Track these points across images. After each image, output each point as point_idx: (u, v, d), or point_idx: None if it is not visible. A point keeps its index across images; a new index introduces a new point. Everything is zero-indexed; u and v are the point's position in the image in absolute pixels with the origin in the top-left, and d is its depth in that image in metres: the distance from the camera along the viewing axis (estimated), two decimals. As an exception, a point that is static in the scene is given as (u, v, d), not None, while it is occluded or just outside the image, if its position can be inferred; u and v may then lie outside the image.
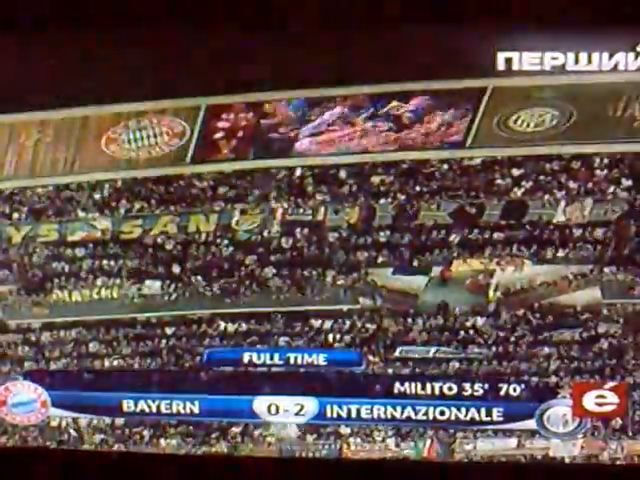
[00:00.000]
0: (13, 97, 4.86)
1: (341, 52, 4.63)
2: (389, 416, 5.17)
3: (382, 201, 5.00)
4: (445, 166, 4.92)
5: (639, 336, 4.95)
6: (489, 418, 5.11)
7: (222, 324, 5.20)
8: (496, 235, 4.97)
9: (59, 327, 5.30)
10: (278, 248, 5.11)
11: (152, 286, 5.21)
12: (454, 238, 5.00)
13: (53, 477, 5.22)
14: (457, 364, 5.09)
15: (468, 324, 5.06)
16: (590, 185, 4.87)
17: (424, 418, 5.15)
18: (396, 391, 5.13)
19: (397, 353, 5.12)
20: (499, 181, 4.92)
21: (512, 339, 5.04)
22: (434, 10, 4.50)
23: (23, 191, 5.15)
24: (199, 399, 5.27)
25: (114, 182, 5.09)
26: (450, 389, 5.10)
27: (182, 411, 5.28)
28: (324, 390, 5.19)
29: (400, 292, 5.09)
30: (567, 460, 5.12)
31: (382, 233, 5.04)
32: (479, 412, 5.10)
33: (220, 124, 4.93)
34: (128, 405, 5.29)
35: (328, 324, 5.15)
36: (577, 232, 4.92)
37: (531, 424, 5.09)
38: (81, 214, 5.17)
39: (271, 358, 5.18)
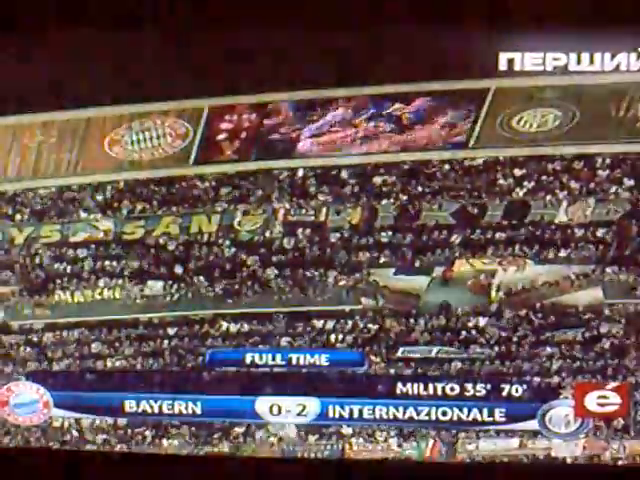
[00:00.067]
0: (16, 99, 4.86)
1: (343, 53, 4.63)
2: (391, 416, 5.17)
3: (384, 201, 5.00)
4: (447, 166, 4.93)
5: (641, 336, 4.97)
6: (491, 418, 5.11)
7: (224, 324, 5.20)
8: (498, 235, 4.97)
9: (61, 328, 5.30)
10: (280, 249, 5.11)
11: (154, 287, 5.21)
12: (456, 238, 5.00)
13: (55, 477, 5.22)
14: (459, 364, 5.09)
15: (470, 324, 5.07)
16: (592, 185, 4.87)
17: (426, 418, 5.15)
18: (398, 391, 5.14)
19: (399, 353, 5.12)
20: (501, 181, 4.92)
21: (514, 339, 5.05)
22: (436, 11, 4.50)
23: (26, 192, 5.15)
24: (201, 400, 5.27)
25: (116, 183, 5.10)
26: (452, 389, 5.10)
27: (184, 411, 5.27)
28: (326, 390, 5.19)
29: (402, 292, 5.09)
30: (569, 460, 5.12)
31: (384, 233, 5.04)
32: (481, 412, 5.10)
33: (223, 125, 4.93)
34: (130, 405, 5.29)
35: (330, 324, 5.15)
36: (579, 232, 4.93)
37: (533, 424, 5.09)
38: (83, 215, 5.17)
39: (273, 358, 5.18)
